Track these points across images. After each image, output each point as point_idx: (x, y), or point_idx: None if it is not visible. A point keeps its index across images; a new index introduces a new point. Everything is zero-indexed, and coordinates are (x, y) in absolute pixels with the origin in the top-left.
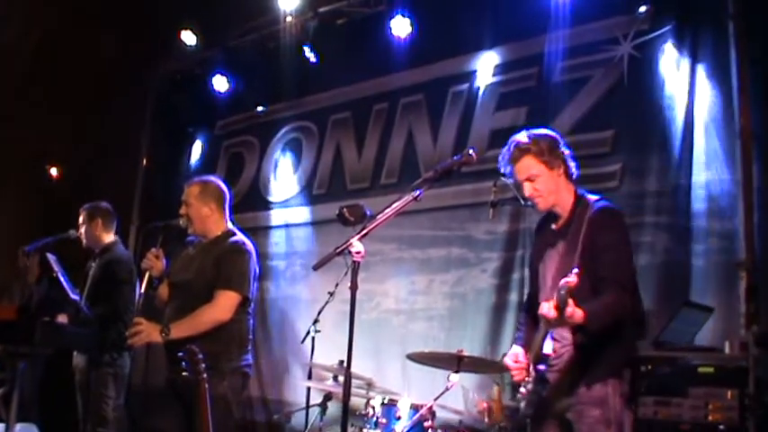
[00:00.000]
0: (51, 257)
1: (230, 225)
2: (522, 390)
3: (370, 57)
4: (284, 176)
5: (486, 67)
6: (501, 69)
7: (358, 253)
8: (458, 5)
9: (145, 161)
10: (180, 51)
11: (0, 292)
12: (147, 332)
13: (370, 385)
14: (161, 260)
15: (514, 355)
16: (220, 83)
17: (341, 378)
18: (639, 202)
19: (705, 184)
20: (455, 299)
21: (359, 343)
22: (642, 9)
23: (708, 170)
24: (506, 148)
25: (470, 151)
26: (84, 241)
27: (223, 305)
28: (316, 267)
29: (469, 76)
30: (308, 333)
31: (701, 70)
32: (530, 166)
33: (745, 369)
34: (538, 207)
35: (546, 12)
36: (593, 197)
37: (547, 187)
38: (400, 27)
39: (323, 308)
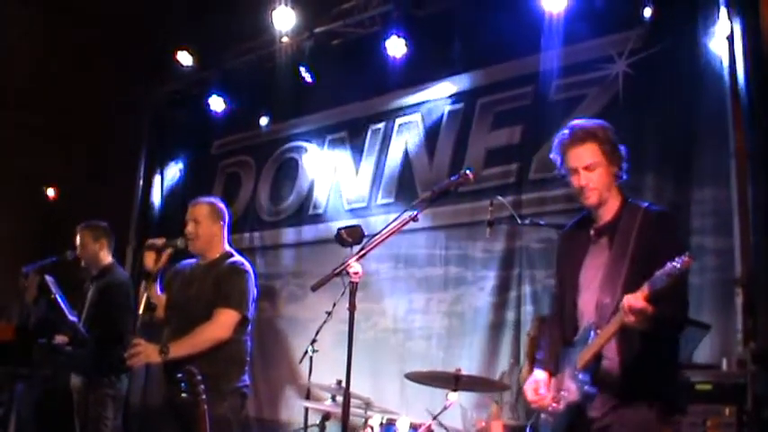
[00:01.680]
0: (49, 279)
1: (228, 246)
2: (553, 405)
3: (366, 77)
4: (281, 196)
5: (480, 86)
6: (496, 88)
7: (356, 273)
8: (452, 25)
9: (142, 181)
10: (176, 72)
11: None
12: (145, 353)
13: (368, 405)
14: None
15: (535, 384)
16: (217, 103)
17: (339, 398)
18: None
19: (701, 202)
20: (453, 317)
21: (356, 362)
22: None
23: (704, 188)
24: (565, 131)
25: (467, 171)
26: (84, 261)
27: (222, 323)
28: (314, 288)
29: (464, 95)
30: (306, 353)
31: (695, 88)
32: (592, 153)
33: (743, 386)
34: (587, 201)
35: (540, 30)
36: (641, 202)
37: (602, 180)
38: (395, 47)
39: (320, 328)
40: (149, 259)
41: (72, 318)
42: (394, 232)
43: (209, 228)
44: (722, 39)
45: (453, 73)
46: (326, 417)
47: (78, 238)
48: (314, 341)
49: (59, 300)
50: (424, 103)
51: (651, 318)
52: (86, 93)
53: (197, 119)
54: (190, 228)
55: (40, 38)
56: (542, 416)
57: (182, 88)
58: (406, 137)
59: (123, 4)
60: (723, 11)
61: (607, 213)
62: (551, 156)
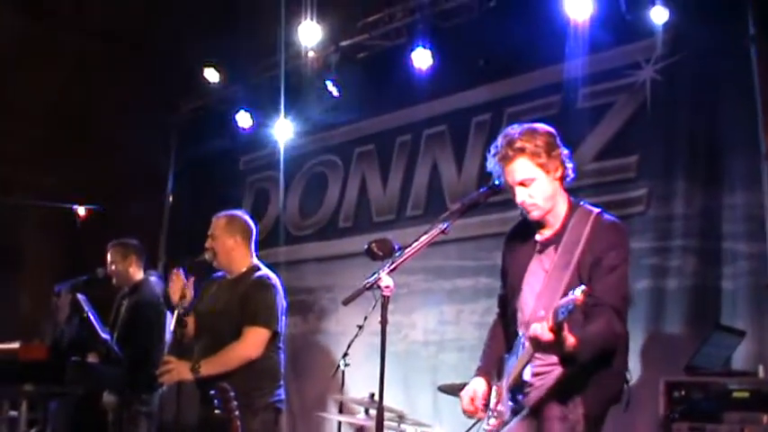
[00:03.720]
0: (81, 298)
1: (255, 260)
2: (491, 422)
3: (393, 89)
4: (309, 210)
5: (507, 96)
6: (523, 98)
7: (387, 287)
8: (477, 35)
9: (171, 198)
10: (203, 88)
11: (31, 331)
12: (177, 370)
13: (401, 417)
14: (189, 291)
15: (472, 393)
16: (244, 119)
17: (372, 411)
18: (667, 226)
19: (733, 206)
20: (484, 328)
21: (389, 375)
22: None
23: (735, 192)
24: (497, 142)
25: (497, 182)
26: (115, 279)
27: (252, 342)
28: (345, 302)
29: (492, 105)
30: (338, 367)
31: (724, 92)
32: (524, 168)
33: None
34: (531, 216)
35: (566, 39)
36: (593, 207)
37: (543, 193)
38: (421, 59)
39: (352, 341)
40: (175, 288)
41: (104, 336)
42: (424, 245)
43: (225, 241)
44: (750, 40)
45: (480, 83)
46: (360, 430)
47: (109, 256)
48: (345, 354)
49: (92, 318)
50: (451, 114)
51: (560, 349)
52: (114, 110)
53: (224, 135)
54: (209, 243)
55: (68, 55)
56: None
57: (208, 104)
58: (434, 148)
59: (150, 20)
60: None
61: (554, 219)
62: (488, 167)
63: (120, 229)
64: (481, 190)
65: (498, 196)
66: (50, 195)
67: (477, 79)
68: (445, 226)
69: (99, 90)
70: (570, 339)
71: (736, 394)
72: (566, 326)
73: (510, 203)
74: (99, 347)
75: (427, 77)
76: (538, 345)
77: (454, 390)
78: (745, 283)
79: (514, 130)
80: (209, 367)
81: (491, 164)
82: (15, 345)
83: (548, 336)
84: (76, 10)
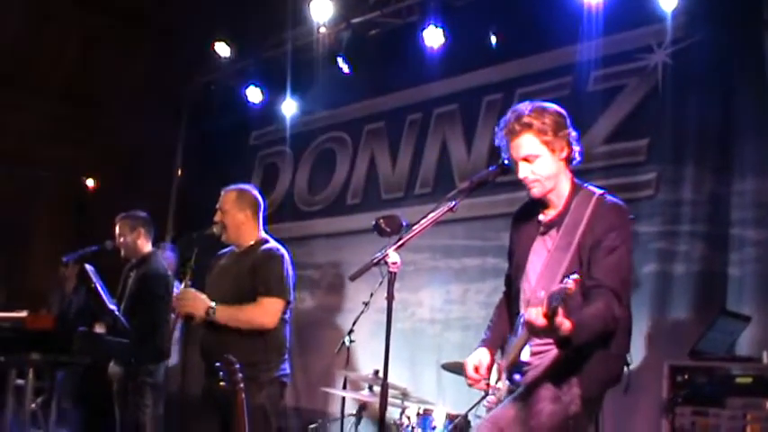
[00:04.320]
0: (89, 268)
1: (263, 234)
2: (489, 399)
3: (404, 67)
4: (318, 186)
5: (519, 76)
6: (534, 79)
7: (394, 264)
8: (490, 15)
9: (179, 172)
10: (214, 63)
11: (39, 301)
12: (194, 304)
13: (405, 395)
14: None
15: (477, 362)
16: (254, 94)
17: (376, 388)
18: (675, 211)
19: (742, 193)
20: (490, 308)
21: (393, 352)
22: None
23: (745, 178)
24: (505, 117)
25: (506, 161)
26: (123, 251)
27: (268, 311)
28: (352, 278)
29: (503, 85)
30: (343, 343)
31: (736, 78)
32: (529, 144)
33: None
34: (531, 193)
35: (579, 20)
36: (595, 189)
37: (546, 171)
38: (433, 37)
39: (358, 318)
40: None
41: (112, 307)
42: (432, 223)
43: (235, 215)
44: (763, 26)
45: (491, 63)
46: (363, 407)
47: (117, 229)
48: (351, 331)
49: (100, 289)
50: (461, 93)
51: (555, 333)
52: (125, 84)
53: (235, 110)
54: (218, 216)
55: (78, 30)
56: (488, 399)
57: (219, 79)
58: (444, 127)
59: None
60: None
61: (557, 199)
62: (496, 142)
63: (129, 202)
64: (490, 169)
65: (507, 176)
66: (61, 168)
67: (489, 59)
68: (453, 204)
69: (110, 65)
70: (566, 324)
71: (739, 380)
72: (561, 311)
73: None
74: (106, 318)
75: (439, 56)
76: (533, 329)
77: (458, 368)
78: (751, 270)
79: (524, 106)
80: (223, 315)
81: (498, 138)
82: (23, 313)
83: (541, 321)
84: None
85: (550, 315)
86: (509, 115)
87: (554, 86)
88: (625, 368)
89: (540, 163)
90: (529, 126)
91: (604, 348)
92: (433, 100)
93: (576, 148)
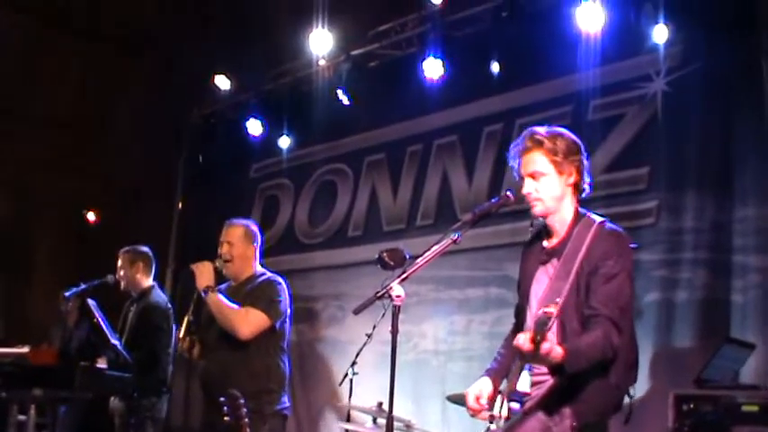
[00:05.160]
0: (91, 302)
1: (260, 268)
2: (492, 429)
3: (404, 98)
4: (319, 219)
5: (518, 106)
6: (534, 109)
7: (398, 297)
8: (489, 46)
9: (180, 204)
10: (214, 96)
11: (40, 336)
12: (200, 273)
13: (408, 427)
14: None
15: (478, 391)
16: (254, 126)
17: (380, 420)
18: (677, 239)
19: (744, 219)
20: (494, 339)
21: (397, 384)
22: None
23: (746, 205)
24: (520, 136)
25: (508, 193)
26: (123, 285)
27: (247, 319)
28: (356, 312)
29: (503, 115)
30: (346, 375)
31: (735, 105)
32: (538, 161)
33: None
34: (533, 211)
35: (577, 50)
36: (596, 217)
37: (550, 191)
38: (432, 68)
39: (360, 350)
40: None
41: (114, 341)
42: (436, 255)
43: (245, 249)
44: (761, 52)
45: (491, 94)
46: None
47: (120, 262)
48: (354, 363)
49: (102, 323)
50: (461, 124)
51: (545, 361)
52: (126, 116)
53: (235, 142)
54: (224, 249)
55: (78, 61)
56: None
57: (219, 112)
58: (445, 158)
59: (161, 28)
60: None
61: (560, 226)
62: (510, 163)
63: (131, 235)
64: (493, 200)
65: (509, 207)
66: (63, 200)
67: (489, 89)
68: (457, 236)
69: (112, 97)
70: (556, 350)
71: (745, 408)
72: (553, 337)
73: (521, 214)
74: (108, 352)
75: (438, 87)
76: (522, 355)
77: (463, 399)
78: (754, 297)
79: (541, 128)
80: (214, 300)
81: (511, 155)
82: (25, 349)
83: (528, 346)
84: (90, 17)
85: (537, 340)
86: (524, 133)
87: (554, 116)
88: (626, 398)
89: (546, 182)
90: (540, 144)
91: (602, 378)
92: (433, 131)
93: (587, 179)
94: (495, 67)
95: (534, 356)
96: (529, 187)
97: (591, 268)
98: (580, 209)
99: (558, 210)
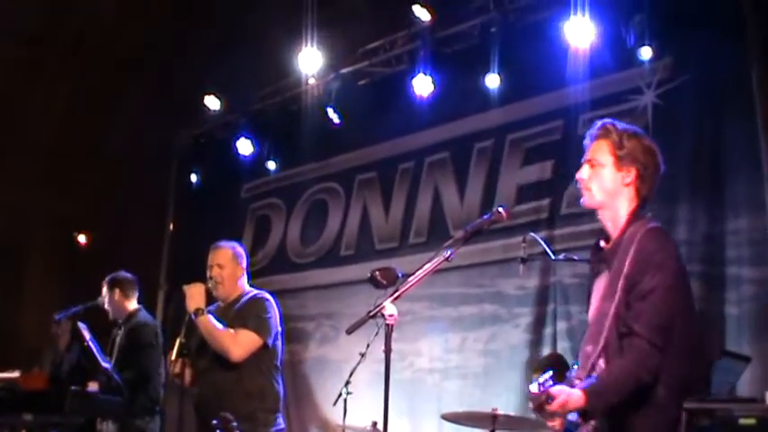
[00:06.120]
0: (82, 326)
1: (248, 287)
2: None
3: (394, 116)
4: (311, 238)
5: (509, 122)
6: (525, 124)
7: (391, 316)
8: (478, 62)
9: (171, 225)
10: (204, 116)
11: (31, 359)
12: (191, 296)
13: None
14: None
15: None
16: (245, 146)
17: None
18: None
19: (736, 231)
20: (489, 356)
21: (393, 403)
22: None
23: (738, 217)
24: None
25: (500, 209)
26: (110, 313)
27: (238, 341)
28: (349, 331)
29: (493, 131)
30: (340, 395)
31: (726, 116)
32: (598, 149)
33: None
34: (582, 199)
35: (567, 65)
36: (648, 221)
37: (601, 183)
38: (422, 85)
39: (354, 369)
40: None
41: (105, 364)
42: (428, 273)
43: (235, 270)
44: (751, 64)
45: (481, 110)
46: None
47: (104, 290)
48: (348, 383)
49: (92, 346)
50: (452, 140)
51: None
52: (115, 138)
53: (225, 162)
54: (215, 272)
55: (68, 83)
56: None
57: (209, 132)
58: (436, 175)
59: (150, 48)
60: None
61: (613, 228)
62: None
63: (122, 257)
64: (484, 217)
65: (501, 223)
66: (53, 223)
67: (479, 106)
68: (449, 254)
69: (101, 118)
70: (575, 396)
71: (742, 421)
72: (563, 389)
73: (514, 230)
74: (99, 376)
75: (428, 104)
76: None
77: (459, 418)
78: (749, 309)
79: (620, 123)
80: (205, 323)
81: (585, 143)
82: (15, 374)
83: (537, 414)
84: (78, 39)
85: (539, 407)
86: (601, 123)
87: (544, 131)
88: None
89: (600, 172)
90: (608, 134)
91: (647, 401)
92: (424, 148)
93: (651, 185)
94: (493, 81)
95: (550, 416)
96: (583, 172)
97: (630, 285)
98: (638, 210)
99: (609, 207)
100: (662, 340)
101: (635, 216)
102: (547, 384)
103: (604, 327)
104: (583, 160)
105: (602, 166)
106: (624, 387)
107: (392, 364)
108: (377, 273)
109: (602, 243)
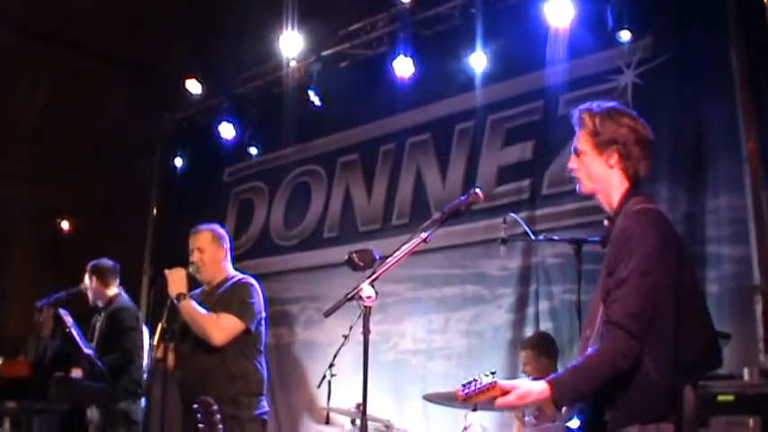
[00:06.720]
0: (63, 312)
1: (232, 270)
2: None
3: (375, 98)
4: (294, 221)
5: (490, 103)
6: (505, 105)
7: (369, 298)
8: (459, 43)
9: (155, 211)
10: (186, 100)
11: (14, 347)
12: (173, 281)
13: (388, 427)
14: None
15: None
16: (227, 130)
17: (359, 422)
18: None
19: (717, 210)
20: (472, 336)
21: (377, 385)
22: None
23: (719, 195)
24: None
25: (477, 190)
26: (90, 299)
27: (222, 326)
28: (327, 314)
29: (475, 112)
30: (324, 377)
31: (706, 96)
32: (581, 139)
33: (766, 396)
34: (576, 187)
35: (546, 45)
36: (635, 203)
37: (587, 171)
38: (403, 67)
39: (338, 351)
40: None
41: (88, 350)
42: (406, 255)
43: (216, 253)
44: (731, 44)
45: (462, 91)
46: None
47: (85, 277)
48: (332, 365)
49: (75, 333)
50: (433, 122)
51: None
52: (97, 124)
53: (208, 147)
54: (196, 257)
55: (49, 70)
56: None
57: (191, 116)
58: (418, 157)
59: (131, 34)
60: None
61: (610, 211)
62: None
63: (106, 243)
64: (461, 198)
65: (483, 204)
66: (36, 210)
67: (459, 87)
68: (426, 235)
69: (83, 105)
70: (537, 388)
71: (721, 398)
72: (499, 386)
73: (495, 211)
74: (82, 362)
75: (409, 86)
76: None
77: (441, 398)
78: (729, 287)
79: (598, 104)
80: (187, 308)
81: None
82: None
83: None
84: (60, 26)
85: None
86: (582, 107)
87: (525, 112)
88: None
89: (584, 160)
90: (582, 123)
91: (633, 377)
92: (405, 130)
93: (640, 165)
94: (474, 62)
95: (510, 408)
96: (571, 162)
97: (610, 271)
98: (630, 190)
99: (601, 191)
100: (638, 327)
101: (626, 198)
102: (478, 384)
103: (598, 312)
104: (571, 149)
105: (584, 154)
106: (597, 375)
107: (376, 346)
108: (354, 255)
109: (606, 223)
